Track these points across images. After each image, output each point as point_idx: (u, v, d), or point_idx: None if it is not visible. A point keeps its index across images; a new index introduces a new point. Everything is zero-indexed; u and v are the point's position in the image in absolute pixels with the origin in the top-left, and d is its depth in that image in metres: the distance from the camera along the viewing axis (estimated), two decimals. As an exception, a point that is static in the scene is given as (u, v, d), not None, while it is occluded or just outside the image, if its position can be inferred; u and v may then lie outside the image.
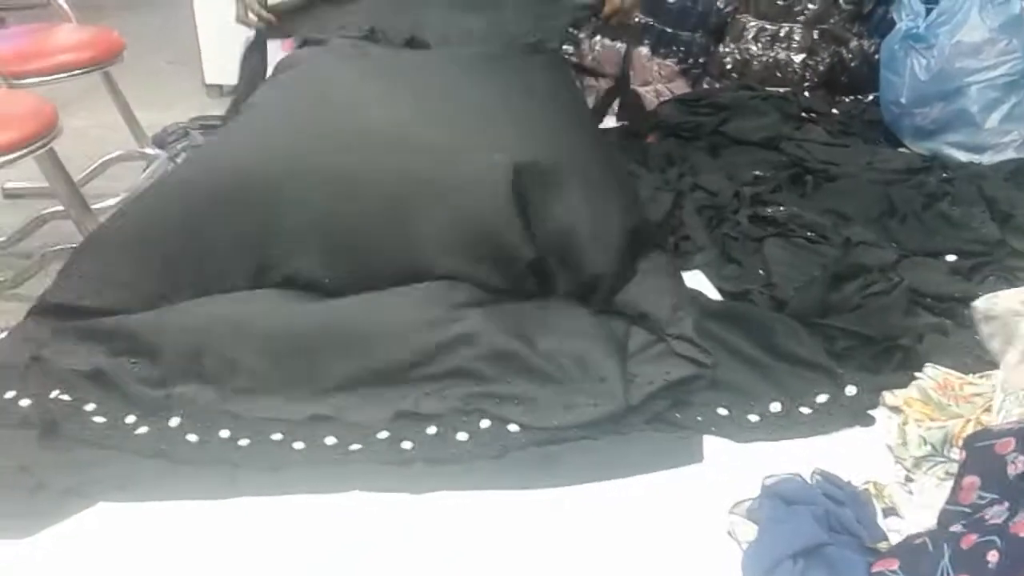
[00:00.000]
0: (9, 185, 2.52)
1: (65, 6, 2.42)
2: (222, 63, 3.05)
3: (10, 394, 1.34)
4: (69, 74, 2.21)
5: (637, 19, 2.48)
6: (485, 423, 1.30)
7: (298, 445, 1.27)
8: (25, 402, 1.33)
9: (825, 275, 1.51)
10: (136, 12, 4.29)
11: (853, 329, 1.42)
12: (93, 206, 2.08)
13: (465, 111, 1.67)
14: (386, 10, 2.07)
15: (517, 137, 1.61)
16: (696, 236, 1.76)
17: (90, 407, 1.33)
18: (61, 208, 2.08)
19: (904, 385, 1.33)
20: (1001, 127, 2.06)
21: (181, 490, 1.21)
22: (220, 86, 3.14)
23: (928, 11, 2.17)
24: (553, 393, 1.33)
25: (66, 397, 1.34)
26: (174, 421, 1.31)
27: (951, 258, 1.65)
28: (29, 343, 1.43)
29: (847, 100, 2.41)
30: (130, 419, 1.31)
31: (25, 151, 1.73)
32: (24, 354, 1.40)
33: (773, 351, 1.40)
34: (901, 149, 2.20)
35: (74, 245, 1.96)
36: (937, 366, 1.33)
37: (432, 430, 1.29)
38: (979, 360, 1.37)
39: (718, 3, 2.44)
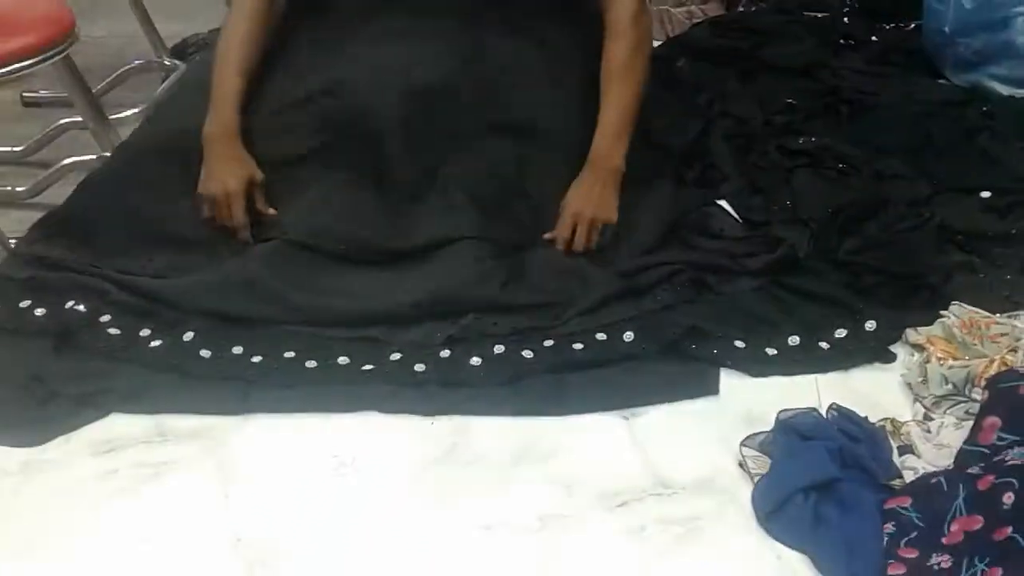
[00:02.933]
0: (27, 94, 2.50)
1: (84, -91, 2.36)
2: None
3: (25, 303, 1.34)
4: (88, -21, 2.18)
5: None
6: (499, 348, 1.29)
7: (310, 363, 1.27)
8: (40, 311, 1.33)
9: (836, 221, 1.47)
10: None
11: (879, 266, 1.39)
12: (111, 116, 2.06)
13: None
14: None
15: None
16: (722, 165, 1.71)
17: (105, 318, 1.33)
18: (79, 119, 2.07)
19: (929, 323, 1.29)
20: (1047, 60, 1.98)
21: (193, 404, 1.22)
22: (242, -2, 3.07)
23: (978, -65, 2.07)
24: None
25: (81, 308, 1.34)
26: (188, 335, 1.31)
27: (986, 194, 1.59)
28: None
29: (887, 27, 2.31)
30: (144, 332, 1.31)
31: (41, 58, 1.71)
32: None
33: (792, 287, 1.37)
34: (941, 81, 2.12)
35: (91, 156, 1.96)
36: (963, 305, 1.30)
37: (446, 353, 1.28)
38: (1007, 300, 1.33)
39: (756, -78, 2.34)
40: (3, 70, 1.66)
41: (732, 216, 1.56)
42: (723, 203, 1.61)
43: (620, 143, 1.47)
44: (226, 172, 1.41)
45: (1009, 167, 1.65)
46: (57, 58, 1.76)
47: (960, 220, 1.50)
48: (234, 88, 1.46)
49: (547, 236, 1.43)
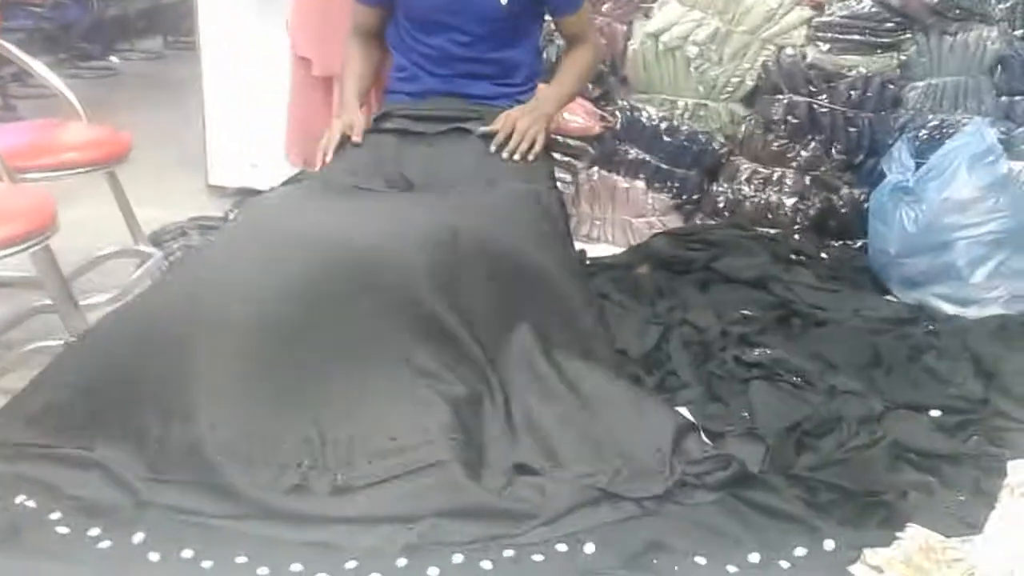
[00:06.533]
0: None
1: (77, 105, 2.46)
2: (227, 166, 3.10)
3: (-25, 496, 1.32)
4: (73, 172, 2.25)
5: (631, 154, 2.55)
6: (458, 557, 1.27)
7: (263, 570, 1.24)
8: (-11, 505, 1.31)
9: (792, 436, 1.52)
10: (147, 111, 4.38)
11: (835, 482, 1.41)
12: (82, 302, 2.07)
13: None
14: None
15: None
16: (682, 372, 1.77)
17: (55, 516, 1.30)
18: (50, 302, 2.08)
19: (886, 542, 1.31)
20: (987, 283, 2.09)
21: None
22: (223, 187, 3.18)
23: (918, 166, 2.24)
24: None
25: (31, 504, 1.31)
26: (138, 537, 1.28)
27: (936, 413, 1.64)
28: None
29: (836, 245, 2.45)
30: (94, 531, 1.28)
31: (22, 247, 1.74)
32: None
33: (751, 502, 1.39)
34: (888, 297, 2.22)
35: (58, 341, 1.96)
36: (919, 527, 1.32)
37: (402, 562, 1.26)
38: (961, 523, 1.35)
39: (713, 144, 2.51)
40: (-18, 258, 1.68)
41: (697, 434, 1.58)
42: (683, 410, 1.65)
43: (558, 102, 2.04)
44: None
45: (956, 387, 1.71)
46: (36, 247, 1.80)
47: (912, 438, 1.55)
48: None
49: (483, 130, 1.87)
